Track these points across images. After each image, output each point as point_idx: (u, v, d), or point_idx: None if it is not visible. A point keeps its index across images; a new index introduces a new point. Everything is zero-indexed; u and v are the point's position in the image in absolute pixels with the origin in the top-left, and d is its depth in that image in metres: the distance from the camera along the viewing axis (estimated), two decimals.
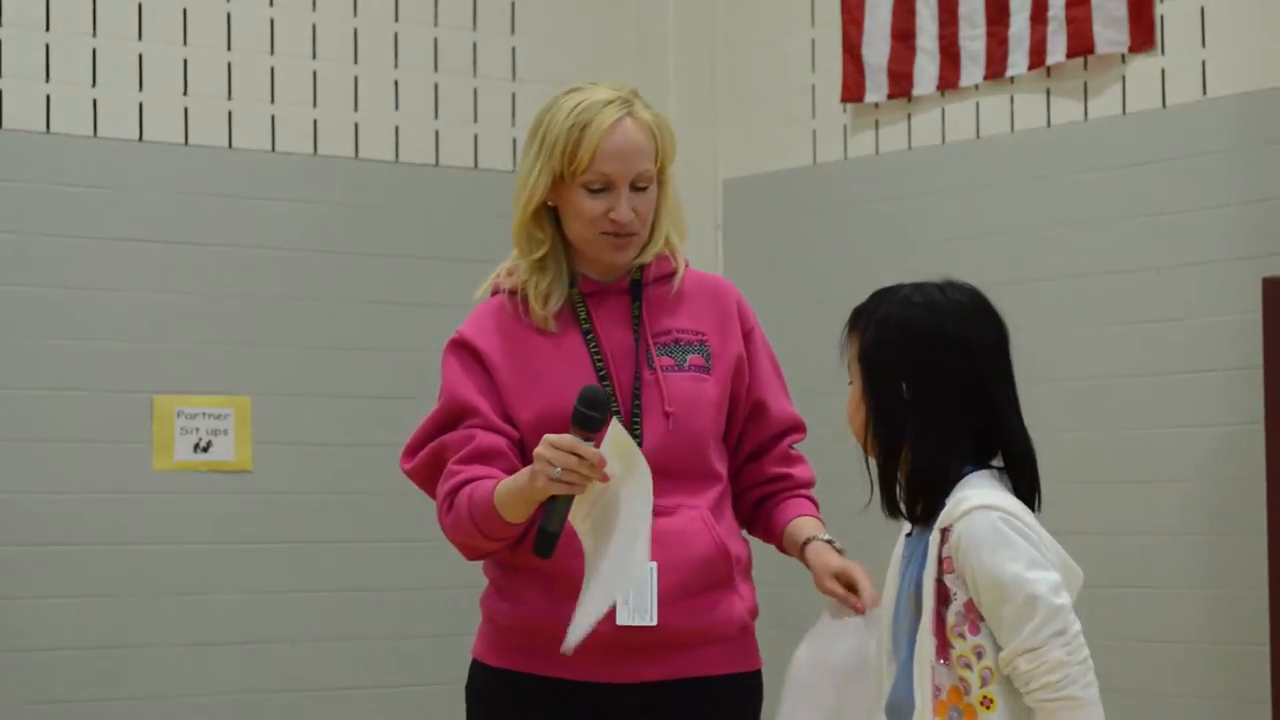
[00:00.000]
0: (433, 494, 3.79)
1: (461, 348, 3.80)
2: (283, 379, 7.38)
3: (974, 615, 3.09)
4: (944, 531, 3.12)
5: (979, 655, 3.09)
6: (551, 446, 3.44)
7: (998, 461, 3.27)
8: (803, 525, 3.81)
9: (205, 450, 7.23)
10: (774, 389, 3.92)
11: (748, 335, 3.89)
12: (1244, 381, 6.54)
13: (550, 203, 3.79)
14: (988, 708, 3.08)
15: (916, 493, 3.21)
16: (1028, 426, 3.29)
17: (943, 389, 3.17)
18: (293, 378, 7.40)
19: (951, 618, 3.12)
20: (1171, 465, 6.76)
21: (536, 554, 3.51)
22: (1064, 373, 6.97)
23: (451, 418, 3.76)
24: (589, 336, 3.78)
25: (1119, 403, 6.89)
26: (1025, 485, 3.22)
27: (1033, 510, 3.20)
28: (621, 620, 3.64)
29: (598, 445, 3.45)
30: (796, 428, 3.94)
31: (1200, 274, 6.72)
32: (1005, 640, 3.05)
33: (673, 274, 3.85)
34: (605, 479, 3.45)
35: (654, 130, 3.78)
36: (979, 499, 3.10)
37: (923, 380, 3.18)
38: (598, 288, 3.82)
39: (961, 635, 3.11)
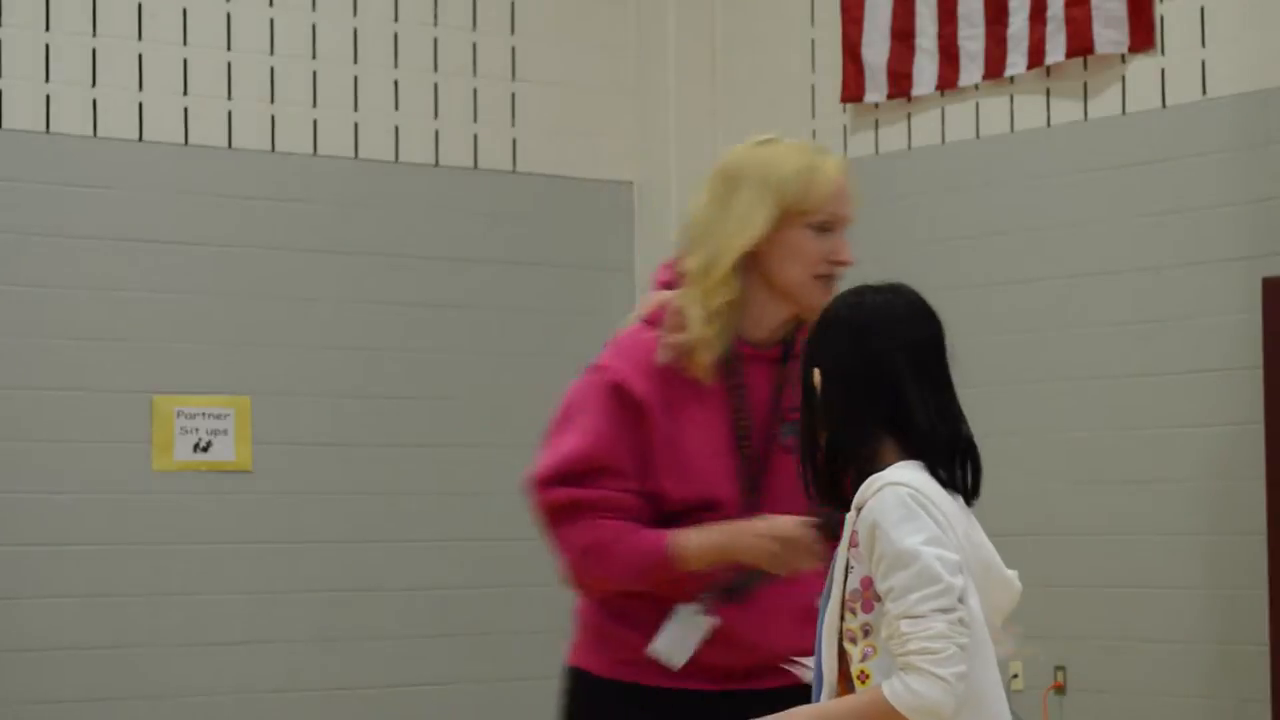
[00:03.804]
0: (553, 521, 3.78)
1: (619, 392, 3.76)
2: (283, 379, 7.38)
3: (870, 594, 3.17)
4: (859, 510, 3.20)
5: (865, 633, 3.17)
6: (787, 537, 3.62)
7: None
8: None
9: (205, 450, 7.23)
10: None
11: None
12: (1244, 381, 6.55)
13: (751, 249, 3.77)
14: (863, 682, 3.16)
15: (832, 474, 3.30)
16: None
17: (847, 376, 3.26)
18: (293, 378, 7.40)
19: (847, 593, 3.20)
20: (1171, 465, 6.76)
21: (731, 601, 3.72)
22: (1064, 373, 6.96)
23: (594, 465, 3.74)
24: (739, 416, 3.79)
25: (1119, 403, 6.89)
26: (954, 474, 3.24)
27: (970, 501, 3.23)
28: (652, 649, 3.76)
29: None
30: None
31: (1200, 274, 6.72)
32: (892, 605, 3.11)
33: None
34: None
35: None
36: (891, 476, 3.19)
37: (832, 367, 3.28)
38: (755, 354, 3.82)
39: (853, 610, 3.19)
